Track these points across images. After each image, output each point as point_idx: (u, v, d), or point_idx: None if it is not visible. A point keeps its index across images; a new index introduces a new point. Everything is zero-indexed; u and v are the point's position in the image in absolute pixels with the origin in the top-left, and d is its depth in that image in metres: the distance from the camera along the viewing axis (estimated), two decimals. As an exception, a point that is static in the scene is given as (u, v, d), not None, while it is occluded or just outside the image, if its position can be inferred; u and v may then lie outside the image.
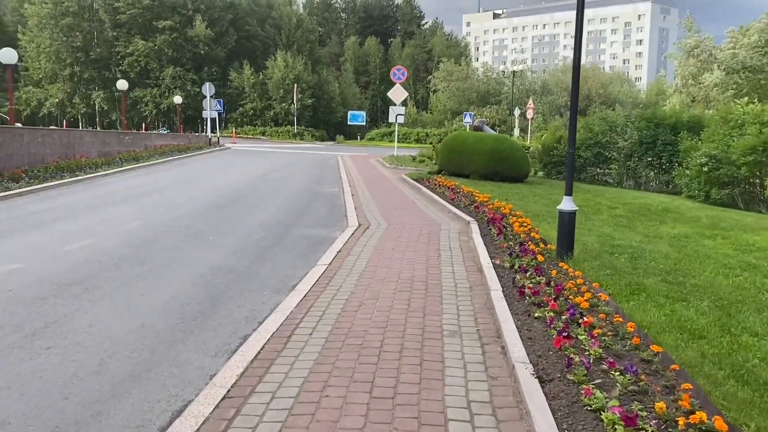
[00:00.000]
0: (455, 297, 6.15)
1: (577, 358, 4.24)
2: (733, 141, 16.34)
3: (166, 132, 49.23)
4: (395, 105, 28.85)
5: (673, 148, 19.37)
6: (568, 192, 7.67)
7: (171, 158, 25.61)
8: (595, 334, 4.73)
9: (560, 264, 7.16)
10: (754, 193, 16.35)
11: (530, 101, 48.86)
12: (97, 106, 68.65)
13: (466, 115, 45.66)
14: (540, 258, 7.21)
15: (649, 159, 20.20)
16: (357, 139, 62.65)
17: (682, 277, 7.06)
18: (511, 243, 8.32)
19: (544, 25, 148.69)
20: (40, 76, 67.36)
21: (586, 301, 5.51)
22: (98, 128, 62.14)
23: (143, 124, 63.22)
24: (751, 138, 15.68)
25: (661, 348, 4.49)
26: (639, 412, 3.50)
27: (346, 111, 65.59)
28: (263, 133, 62.68)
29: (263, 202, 13.47)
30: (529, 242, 8.10)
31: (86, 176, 17.22)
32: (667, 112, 23.05)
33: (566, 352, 4.43)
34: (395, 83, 28.52)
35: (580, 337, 4.75)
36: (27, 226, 10.02)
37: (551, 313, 5.29)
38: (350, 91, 77.38)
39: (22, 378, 4.20)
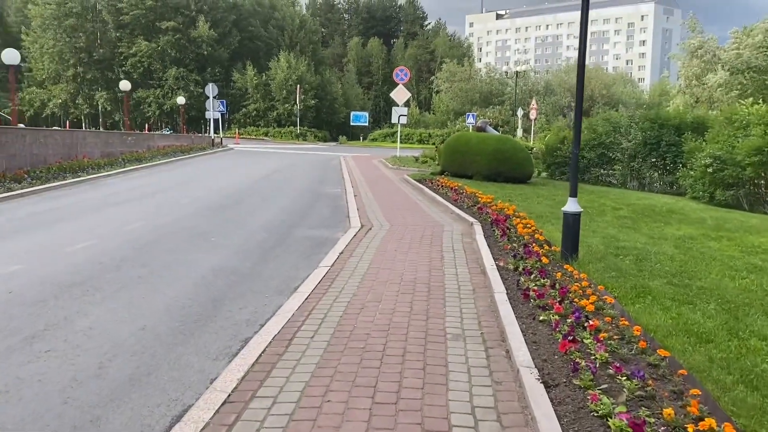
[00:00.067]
0: (458, 299, 6.09)
1: (583, 363, 4.18)
2: (738, 142, 16.25)
3: (169, 133, 49.31)
4: (398, 106, 28.79)
5: (677, 149, 19.29)
6: (573, 193, 7.60)
7: (174, 159, 25.59)
8: (601, 338, 4.66)
9: (565, 266, 7.09)
10: (759, 194, 16.26)
11: (533, 102, 48.68)
12: (100, 107, 68.76)
13: (468, 115, 45.57)
14: (544, 260, 7.14)
15: (653, 160, 20.12)
16: (360, 139, 62.62)
17: (688, 280, 6.99)
18: (515, 245, 8.25)
19: (547, 25, 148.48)
20: (44, 76, 67.50)
21: (591, 304, 5.44)
22: (101, 129, 62.24)
23: (146, 125, 63.29)
24: (756, 139, 15.60)
25: (668, 352, 4.42)
26: (647, 419, 3.44)
27: (348, 112, 65.54)
28: (266, 134, 62.69)
29: (266, 202, 13.42)
30: (533, 244, 8.03)
31: (89, 177, 17.20)
32: (671, 113, 22.95)
33: (572, 357, 4.37)
34: (398, 84, 28.47)
35: (586, 341, 4.68)
36: (29, 227, 9.98)
37: (556, 317, 5.23)
38: (353, 92, 77.40)
39: (20, 382, 4.15)
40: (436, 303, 5.94)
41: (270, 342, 4.82)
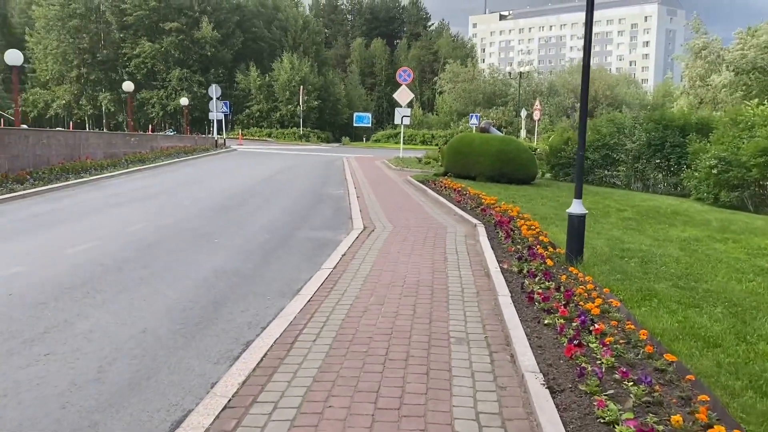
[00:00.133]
0: (462, 302, 6.02)
1: (589, 368, 4.11)
2: (743, 143, 16.16)
3: (172, 134, 49.31)
4: (401, 107, 28.73)
5: (681, 150, 19.20)
6: (578, 195, 7.52)
7: (177, 160, 25.58)
8: (607, 342, 4.59)
9: (570, 268, 7.02)
10: (764, 196, 16.18)
11: (537, 102, 48.56)
12: (103, 108, 68.89)
13: (472, 116, 45.47)
14: (549, 262, 7.07)
15: (658, 161, 20.04)
16: (363, 140, 62.60)
17: (694, 282, 6.92)
18: (519, 247, 8.18)
19: (551, 26, 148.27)
20: (47, 77, 67.71)
21: (597, 307, 5.37)
22: (105, 130, 62.33)
23: (150, 126, 63.36)
24: (762, 140, 15.50)
25: (675, 357, 4.35)
26: (654, 426, 3.37)
27: (351, 113, 65.52)
28: (269, 135, 62.75)
29: (269, 203, 13.38)
30: (538, 246, 7.96)
31: (91, 178, 17.18)
32: (675, 114, 22.88)
33: (578, 361, 4.30)
34: (401, 85, 28.41)
35: (592, 345, 4.61)
36: (30, 229, 9.95)
37: (561, 320, 5.16)
38: (356, 93, 77.41)
39: (19, 386, 4.10)
40: (440, 306, 5.87)
41: (271, 345, 4.76)
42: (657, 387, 3.89)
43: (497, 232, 9.49)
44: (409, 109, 32.04)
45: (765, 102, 18.93)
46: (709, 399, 3.69)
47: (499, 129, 31.46)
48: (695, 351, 4.74)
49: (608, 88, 66.35)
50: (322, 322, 5.35)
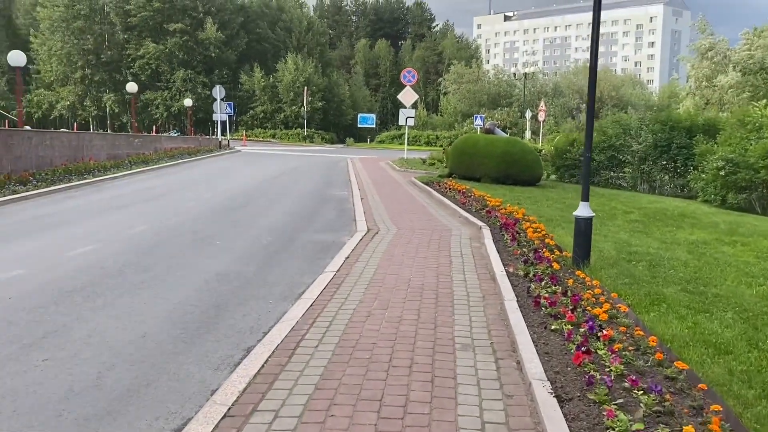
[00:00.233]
0: (467, 307, 5.92)
1: (598, 376, 4.01)
2: (751, 144, 16.00)
3: (176, 135, 49.34)
4: (405, 108, 28.64)
5: (688, 152, 19.04)
6: (585, 197, 7.40)
7: (181, 161, 25.55)
8: (616, 349, 4.49)
9: (577, 272, 6.92)
10: (772, 198, 16.00)
11: (542, 103, 48.35)
12: (108, 109, 69.03)
13: (476, 117, 45.33)
14: (555, 266, 6.96)
15: (664, 162, 19.87)
16: (367, 141, 62.55)
17: (703, 287, 6.80)
18: (525, 250, 8.06)
19: (556, 27, 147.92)
20: (52, 78, 67.87)
21: (604, 312, 5.26)
22: (109, 131, 62.43)
23: (154, 127, 63.46)
24: (770, 141, 15.35)
25: (686, 365, 4.25)
26: (667, 437, 3.27)
27: (356, 113, 65.51)
28: (273, 136, 62.76)
29: (272, 205, 13.30)
30: (544, 249, 7.83)
31: (94, 179, 17.14)
32: (682, 115, 22.70)
33: (586, 369, 4.19)
34: (405, 86, 28.32)
35: (600, 352, 4.51)
36: (32, 230, 9.89)
37: (569, 326, 5.05)
38: (360, 94, 77.40)
39: (15, 393, 4.03)
40: (445, 311, 5.77)
41: (273, 351, 4.67)
42: (668, 396, 3.79)
43: (503, 235, 9.38)
44: (414, 110, 31.96)
45: (772, 103, 18.74)
46: (721, 409, 3.59)
47: (503, 130, 31.34)
48: (706, 358, 4.63)
49: (614, 89, 66.13)
50: (325, 327, 5.26)
